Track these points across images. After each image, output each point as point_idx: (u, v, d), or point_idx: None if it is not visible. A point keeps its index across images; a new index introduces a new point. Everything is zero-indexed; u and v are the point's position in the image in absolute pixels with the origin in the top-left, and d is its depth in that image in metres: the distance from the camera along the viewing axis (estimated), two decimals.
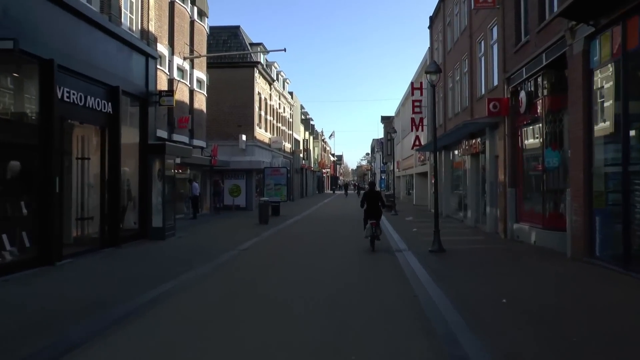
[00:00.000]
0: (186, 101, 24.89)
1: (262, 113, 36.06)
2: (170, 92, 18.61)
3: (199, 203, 26.23)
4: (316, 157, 75.67)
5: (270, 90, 38.62)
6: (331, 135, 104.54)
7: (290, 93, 50.01)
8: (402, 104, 50.10)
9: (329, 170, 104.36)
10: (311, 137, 69.80)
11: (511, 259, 11.94)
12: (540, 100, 13.36)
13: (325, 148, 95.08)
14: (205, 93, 28.08)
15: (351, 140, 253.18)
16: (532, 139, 14.29)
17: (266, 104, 37.52)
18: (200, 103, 27.16)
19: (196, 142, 26.36)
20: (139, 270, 11.04)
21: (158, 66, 21.11)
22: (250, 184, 33.17)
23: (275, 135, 40.27)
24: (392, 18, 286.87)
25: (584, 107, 10.39)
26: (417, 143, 32.39)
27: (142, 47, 16.08)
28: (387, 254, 13.18)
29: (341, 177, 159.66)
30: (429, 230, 19.07)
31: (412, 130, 32.65)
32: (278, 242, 16.34)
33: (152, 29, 17.49)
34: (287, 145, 47.84)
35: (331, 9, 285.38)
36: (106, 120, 13.95)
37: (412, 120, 32.15)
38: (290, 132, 49.41)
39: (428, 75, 13.52)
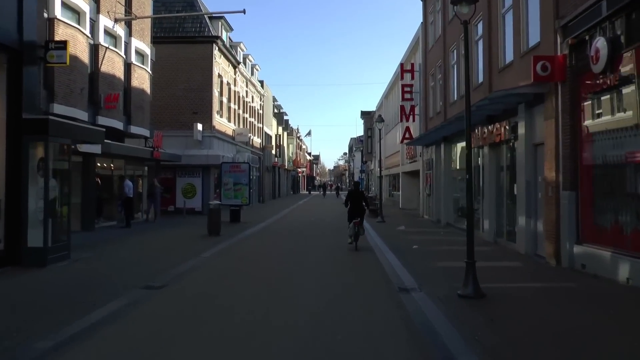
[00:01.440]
0: (119, 76, 19.31)
1: (224, 100, 30.55)
2: (63, 44, 12.99)
3: (134, 207, 20.58)
4: (291, 155, 70.23)
5: (235, 74, 33.14)
6: (308, 133, 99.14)
7: (261, 82, 44.56)
8: (386, 95, 45.06)
9: (305, 169, 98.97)
10: (285, 133, 64.35)
11: (622, 322, 6.80)
12: (635, 51, 8.28)
13: (301, 146, 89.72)
14: (149, 70, 22.51)
15: (329, 140, 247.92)
16: (610, 115, 9.20)
17: (229, 89, 32.02)
18: (142, 81, 21.58)
19: (135, 130, 20.79)
20: None
21: (72, 23, 15.56)
22: (207, 183, 27.64)
23: (241, 126, 34.77)
24: (370, 18, 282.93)
25: None
26: (406, 136, 27.29)
27: None
28: (389, 301, 7.94)
29: (318, 177, 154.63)
30: (435, 248, 13.95)
31: (400, 121, 27.54)
32: (221, 269, 10.97)
33: None
34: (257, 140, 42.37)
35: (309, 6, 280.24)
36: None
37: (402, 108, 27.04)
38: (260, 125, 43.95)
39: (456, 7, 8.32)
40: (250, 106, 39.32)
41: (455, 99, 20.38)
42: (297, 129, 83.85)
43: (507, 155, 14.40)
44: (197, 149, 26.90)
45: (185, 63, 27.29)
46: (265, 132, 46.94)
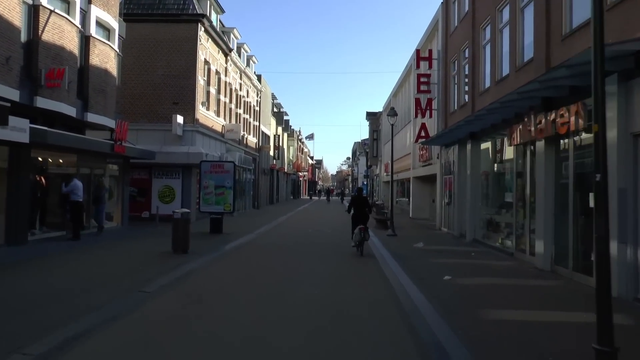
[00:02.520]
0: (70, 49, 15.42)
1: (212, 90, 26.66)
2: None
3: (83, 214, 16.62)
4: (291, 157, 66.30)
5: (227, 63, 29.27)
6: (310, 136, 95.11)
7: (258, 76, 40.69)
8: (395, 92, 41.16)
9: (306, 173, 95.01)
10: (285, 134, 60.45)
11: None
12: None
13: (302, 149, 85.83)
14: (115, 47, 18.67)
15: (332, 145, 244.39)
16: None
17: (219, 79, 28.15)
18: (105, 59, 17.71)
19: (93, 118, 16.93)
20: None
21: None
22: (188, 185, 23.70)
23: (233, 122, 30.86)
24: (376, 22, 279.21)
25: None
26: (422, 134, 23.34)
27: None
28: None
29: (320, 182, 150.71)
30: (474, 280, 10.03)
31: (415, 116, 23.61)
32: (153, 325, 6.99)
33: None
34: (252, 140, 38.47)
35: (315, 12, 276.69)
36: None
37: (417, 102, 23.14)
38: (256, 123, 40.05)
39: None
40: (244, 101, 35.45)
41: (488, 85, 16.46)
42: (299, 131, 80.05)
43: (575, 151, 10.43)
44: (177, 145, 22.99)
45: (165, 45, 23.42)
46: (263, 132, 43.04)
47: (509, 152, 14.79)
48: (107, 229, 18.23)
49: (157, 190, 23.58)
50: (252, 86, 37.64)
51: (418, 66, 24.99)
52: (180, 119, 22.73)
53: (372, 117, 60.30)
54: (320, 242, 17.40)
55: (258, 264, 12.24)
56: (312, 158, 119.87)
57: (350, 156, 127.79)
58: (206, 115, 25.16)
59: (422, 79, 23.18)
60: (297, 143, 74.09)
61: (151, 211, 23.09)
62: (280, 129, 54.03)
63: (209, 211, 19.15)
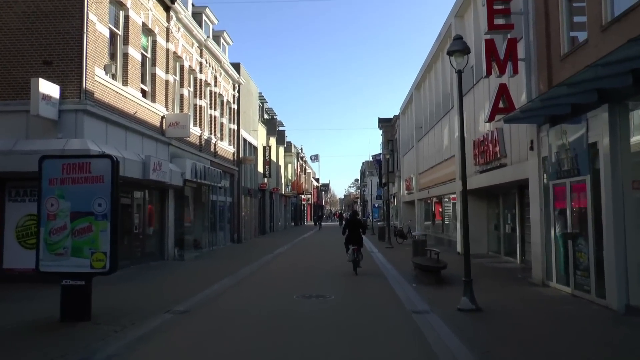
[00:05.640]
0: None
1: (134, 54, 16.06)
2: None
3: None
4: (290, 177, 55.61)
5: (169, 21, 18.82)
6: (315, 157, 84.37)
7: (236, 65, 30.31)
8: (418, 82, 30.61)
9: (310, 196, 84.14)
10: (281, 149, 49.87)
11: None
12: None
13: (305, 169, 75.16)
14: None
15: (338, 170, 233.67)
16: None
17: (154, 43, 17.66)
18: None
19: None
20: None
21: None
22: None
23: (188, 113, 20.23)
24: (379, 45, 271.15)
25: None
26: (500, 106, 12.63)
27: None
28: None
29: (328, 206, 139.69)
30: None
31: (486, 74, 12.76)
32: None
33: None
34: (226, 148, 27.91)
35: (315, 36, 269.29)
36: None
37: (487, 48, 12.45)
38: (233, 126, 29.50)
39: None
40: (211, 91, 24.98)
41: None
42: (301, 148, 69.53)
43: None
44: (47, 137, 12.43)
45: None
46: (245, 139, 32.49)
47: None
48: None
49: (15, 224, 12.90)
50: (223, 73, 27.18)
51: None
52: (49, 88, 12.19)
53: (385, 124, 49.72)
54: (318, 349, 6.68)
55: None
56: (317, 180, 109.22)
57: (359, 178, 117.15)
58: (115, 88, 14.55)
59: (496, 5, 12.59)
60: (297, 160, 63.50)
61: (3, 263, 12.43)
62: (273, 141, 43.48)
63: (55, 272, 8.47)
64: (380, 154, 56.90)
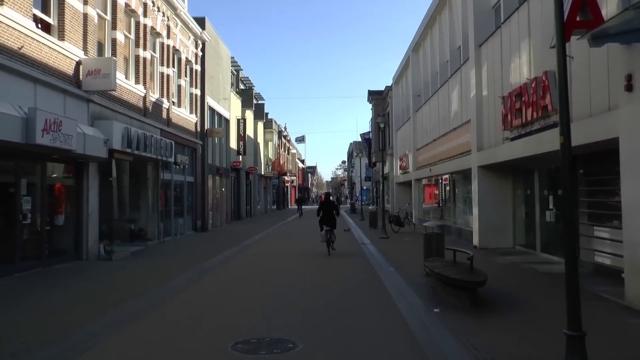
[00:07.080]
0: None
1: None
2: None
3: None
4: (270, 155, 50.60)
5: None
6: (301, 138, 79.36)
7: (201, 20, 25.16)
8: (418, 40, 25.75)
9: (295, 178, 79.17)
10: (260, 124, 44.75)
11: None
12: None
13: (288, 149, 70.12)
14: None
15: (326, 152, 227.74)
16: None
17: None
18: None
19: None
20: None
21: None
22: None
23: (119, 62, 15.20)
24: (367, 29, 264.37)
25: None
26: (582, 17, 7.84)
27: None
28: None
29: (314, 189, 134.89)
30: None
31: None
32: None
33: None
34: (187, 118, 22.95)
35: (306, 20, 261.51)
36: None
37: None
38: (196, 91, 24.44)
39: None
40: (162, 44, 19.90)
41: None
42: (285, 127, 64.37)
43: None
44: None
45: None
46: (212, 108, 27.48)
47: None
48: None
49: None
50: (180, 24, 22.03)
51: None
52: None
53: (376, 97, 44.81)
54: None
55: None
56: (303, 162, 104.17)
57: (346, 159, 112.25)
58: None
59: None
60: (280, 139, 58.47)
61: None
62: (250, 114, 38.40)
63: None
64: (369, 132, 52.08)
